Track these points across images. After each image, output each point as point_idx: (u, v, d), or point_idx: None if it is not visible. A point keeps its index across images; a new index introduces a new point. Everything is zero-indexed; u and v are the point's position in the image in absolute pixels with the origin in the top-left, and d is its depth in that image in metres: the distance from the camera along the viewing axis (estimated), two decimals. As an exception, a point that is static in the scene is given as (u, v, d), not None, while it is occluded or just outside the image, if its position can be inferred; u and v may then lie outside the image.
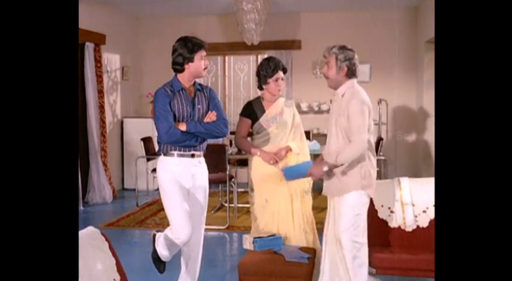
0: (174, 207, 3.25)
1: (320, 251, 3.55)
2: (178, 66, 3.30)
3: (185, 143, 3.25)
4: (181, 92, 3.31)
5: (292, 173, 3.52)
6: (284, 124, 3.86)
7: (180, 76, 3.34)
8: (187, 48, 3.25)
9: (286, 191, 3.81)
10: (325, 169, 3.13)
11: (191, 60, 3.27)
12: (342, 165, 3.11)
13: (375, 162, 3.19)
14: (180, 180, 3.29)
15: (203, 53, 3.31)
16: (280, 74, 3.86)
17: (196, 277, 3.51)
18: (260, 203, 3.86)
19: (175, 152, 3.29)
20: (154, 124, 3.31)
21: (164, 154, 3.32)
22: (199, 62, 3.29)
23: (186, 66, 3.28)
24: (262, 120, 3.87)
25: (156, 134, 3.38)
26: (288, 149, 3.83)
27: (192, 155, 3.32)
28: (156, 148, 3.47)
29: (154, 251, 3.40)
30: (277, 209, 3.81)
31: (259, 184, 3.87)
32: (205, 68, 3.35)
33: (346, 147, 3.07)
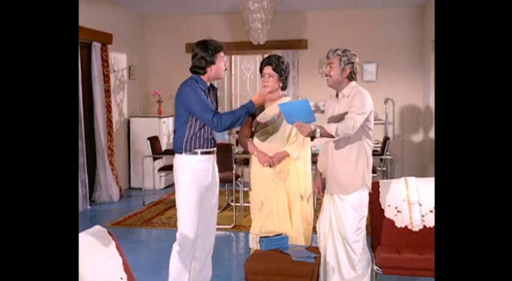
0: (187, 207, 3.35)
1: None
2: (200, 70, 3.38)
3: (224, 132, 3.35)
4: (205, 90, 3.39)
5: (287, 109, 3.19)
6: (281, 124, 3.69)
7: (202, 77, 3.42)
8: (208, 51, 3.34)
9: (283, 193, 3.70)
10: (318, 132, 3.07)
11: (213, 62, 3.37)
12: (333, 137, 3.11)
13: (371, 162, 3.37)
14: (201, 177, 3.37)
15: (222, 54, 3.42)
16: (267, 69, 3.72)
17: (209, 273, 3.62)
18: (256, 205, 3.79)
19: (199, 150, 3.35)
20: (175, 123, 3.34)
21: (185, 152, 3.35)
22: (220, 64, 3.41)
23: (208, 69, 3.38)
24: (259, 118, 3.74)
25: (163, 133, 3.41)
26: (285, 155, 3.68)
27: (212, 152, 3.45)
28: (163, 146, 3.50)
29: None
30: (276, 210, 3.71)
31: (255, 183, 3.80)
32: (225, 69, 3.48)
33: (340, 122, 3.13)
